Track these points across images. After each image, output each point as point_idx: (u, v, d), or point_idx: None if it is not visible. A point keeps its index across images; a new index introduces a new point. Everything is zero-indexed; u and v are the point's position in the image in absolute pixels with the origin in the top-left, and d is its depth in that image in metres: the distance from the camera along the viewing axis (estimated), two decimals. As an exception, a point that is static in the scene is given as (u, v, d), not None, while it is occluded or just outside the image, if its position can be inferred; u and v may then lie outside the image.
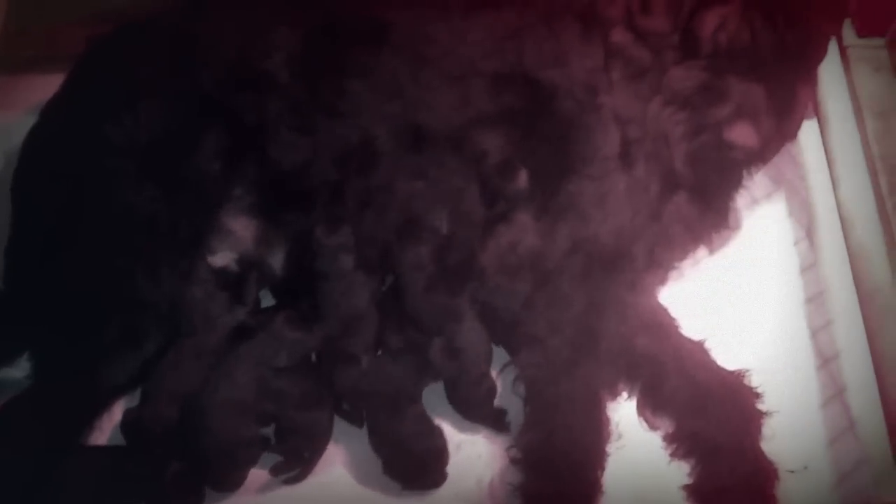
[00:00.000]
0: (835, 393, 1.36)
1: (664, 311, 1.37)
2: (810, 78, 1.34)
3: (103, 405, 1.29)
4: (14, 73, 1.59)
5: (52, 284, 1.26)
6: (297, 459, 1.26)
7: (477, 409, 1.31)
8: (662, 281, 1.41)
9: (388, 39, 1.37)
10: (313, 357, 1.34)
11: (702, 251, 1.43)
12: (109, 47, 1.40)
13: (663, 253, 1.37)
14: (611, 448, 1.27)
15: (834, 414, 1.34)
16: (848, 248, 1.36)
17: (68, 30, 1.51)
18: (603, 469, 1.25)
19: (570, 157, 1.34)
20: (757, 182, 1.47)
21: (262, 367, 1.27)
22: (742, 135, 1.26)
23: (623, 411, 1.32)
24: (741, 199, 1.45)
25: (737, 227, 1.47)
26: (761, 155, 1.32)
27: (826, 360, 1.38)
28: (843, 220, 1.37)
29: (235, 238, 1.34)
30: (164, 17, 1.40)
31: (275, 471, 1.26)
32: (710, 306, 1.42)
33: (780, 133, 1.31)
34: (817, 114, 1.51)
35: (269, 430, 1.29)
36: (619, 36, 1.37)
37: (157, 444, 1.24)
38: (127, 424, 1.27)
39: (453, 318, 1.30)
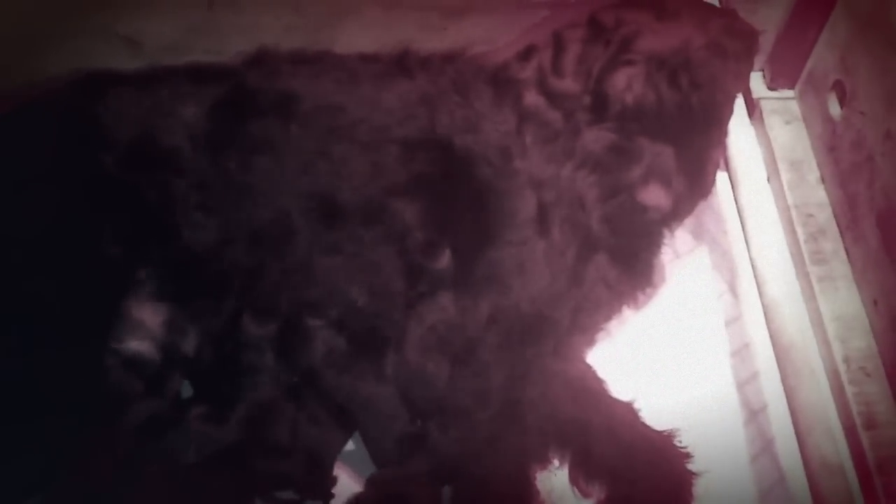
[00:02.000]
0: (764, 446, 1.36)
1: (592, 374, 1.36)
2: (720, 136, 1.35)
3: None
4: None
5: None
6: None
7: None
8: (589, 343, 1.39)
9: (297, 111, 1.33)
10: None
11: (627, 310, 1.42)
12: (3, 127, 1.33)
13: (588, 316, 1.36)
14: (542, 522, 1.24)
15: (764, 467, 1.34)
16: (763, 304, 1.36)
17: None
18: (536, 545, 1.22)
19: (488, 223, 1.32)
20: (678, 237, 1.48)
21: (172, 464, 1.21)
22: (654, 196, 1.25)
23: (556, 480, 1.30)
24: (664, 255, 1.45)
25: (661, 282, 1.47)
26: (675, 214, 1.32)
27: (754, 413, 1.38)
28: (756, 276, 1.37)
29: (144, 326, 1.28)
30: (61, 96, 1.34)
31: None
32: (637, 364, 1.41)
33: (692, 192, 1.30)
34: (728, 169, 1.52)
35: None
36: (532, 99, 1.36)
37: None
38: None
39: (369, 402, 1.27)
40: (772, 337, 1.33)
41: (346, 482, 1.29)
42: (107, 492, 1.18)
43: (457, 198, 1.33)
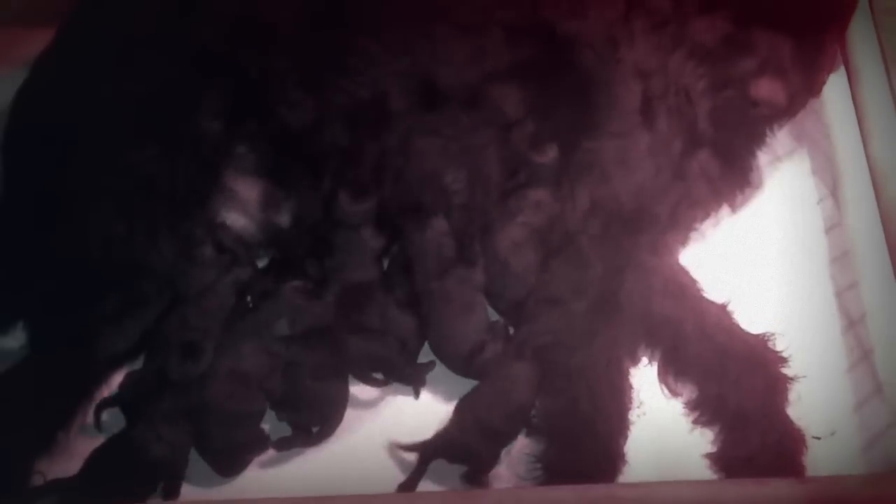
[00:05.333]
0: (861, 356, 1.32)
1: (685, 273, 1.32)
2: (839, 30, 1.29)
3: (102, 375, 1.23)
4: (1, 26, 1.51)
5: (46, 250, 1.20)
6: (305, 434, 1.21)
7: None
8: (683, 242, 1.36)
9: (397, -10, 1.31)
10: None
11: (724, 211, 1.39)
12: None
13: (686, 212, 1.32)
14: (633, 416, 1.23)
15: (861, 377, 1.30)
16: (879, 205, 1.31)
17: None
18: (626, 438, 1.21)
19: (590, 112, 1.29)
20: (779, 139, 1.43)
21: (267, 336, 1.22)
22: (768, 91, 1.21)
23: (643, 377, 1.28)
24: (763, 157, 1.41)
25: (759, 185, 1.42)
26: (787, 111, 1.27)
27: (852, 322, 1.34)
28: (874, 175, 1.32)
29: (239, 199, 1.29)
30: (164, -32, 1.33)
31: (279, 445, 1.20)
32: (731, 268, 1.37)
33: (805, 88, 1.27)
34: (847, 66, 1.45)
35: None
36: (640, -16, 1.31)
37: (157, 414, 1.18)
38: (127, 387, 1.22)
39: (463, 308, 1.25)
40: (887, 239, 1.28)
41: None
42: (204, 361, 1.20)
43: (559, 86, 1.30)
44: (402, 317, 1.28)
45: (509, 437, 1.22)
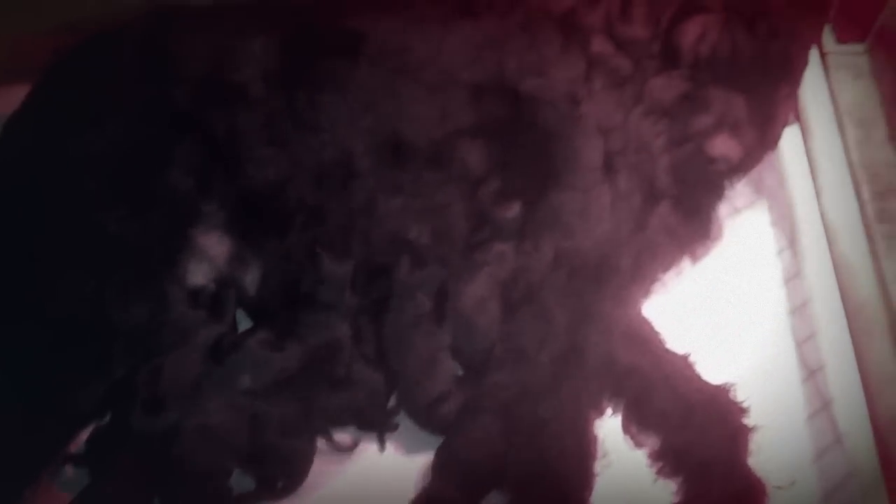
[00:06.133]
0: (821, 406, 1.34)
1: (648, 324, 1.35)
2: (792, 87, 1.33)
3: (71, 432, 1.23)
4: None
5: (15, 308, 1.21)
6: (269, 489, 1.21)
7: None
8: (646, 293, 1.38)
9: (364, 50, 1.33)
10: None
11: (685, 262, 1.41)
12: (76, 59, 1.35)
13: (648, 264, 1.34)
14: (598, 467, 1.24)
15: (820, 427, 1.32)
16: (833, 258, 1.34)
17: (34, 40, 1.44)
18: (591, 489, 1.22)
19: (553, 168, 1.32)
20: (738, 191, 1.46)
21: (233, 390, 1.23)
22: (724, 147, 1.25)
23: (608, 428, 1.29)
24: (723, 209, 1.44)
25: (719, 236, 1.45)
26: (743, 166, 1.31)
27: (812, 372, 1.37)
28: (827, 229, 1.35)
29: (208, 257, 1.30)
30: (134, 29, 1.35)
31: (241, 500, 1.20)
32: (693, 319, 1.39)
33: (761, 143, 1.30)
34: (799, 121, 1.49)
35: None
36: (600, 45, 1.35)
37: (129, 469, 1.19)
38: (93, 443, 1.22)
39: (429, 362, 1.27)
40: (841, 294, 1.31)
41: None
42: (170, 417, 1.21)
43: (523, 143, 1.33)
44: (369, 370, 1.29)
45: (488, 489, 1.23)
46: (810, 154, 1.44)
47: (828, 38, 1.54)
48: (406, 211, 1.31)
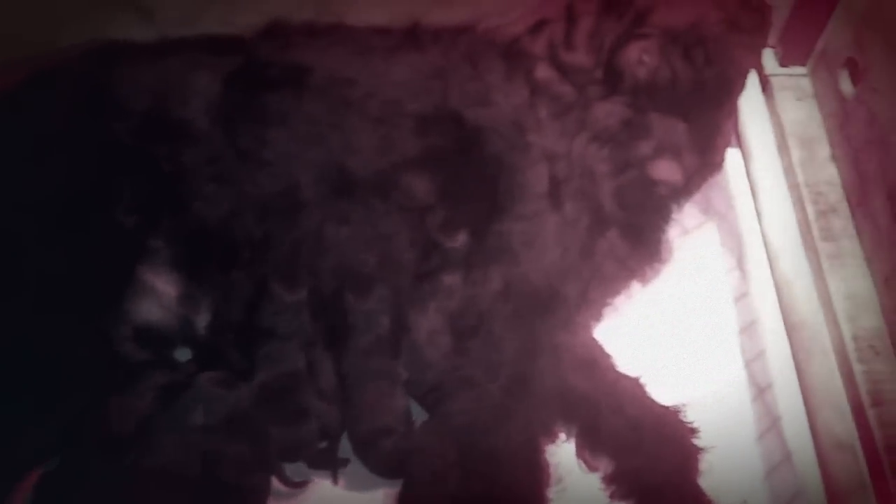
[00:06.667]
0: (770, 424, 1.36)
1: (599, 348, 1.36)
2: (731, 111, 1.35)
3: (21, 474, 1.22)
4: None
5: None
6: None
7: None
8: (597, 318, 1.40)
9: (309, 83, 1.34)
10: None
11: (635, 285, 1.43)
12: (16, 98, 1.34)
13: (597, 290, 1.36)
14: (552, 493, 1.24)
15: (770, 445, 1.34)
16: (774, 279, 1.36)
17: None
18: (545, 515, 1.23)
19: (499, 196, 1.33)
20: (687, 213, 1.48)
21: (185, 428, 1.22)
22: (665, 171, 1.26)
23: (562, 454, 1.30)
24: (672, 230, 1.45)
25: (669, 258, 1.47)
26: (686, 189, 1.33)
27: (761, 391, 1.38)
28: (768, 250, 1.37)
29: (156, 295, 1.29)
30: (75, 66, 1.35)
31: None
32: (645, 340, 1.41)
33: (703, 167, 1.31)
34: (740, 144, 1.52)
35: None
36: (544, 72, 1.36)
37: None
38: (43, 487, 1.20)
39: (383, 395, 1.27)
40: (783, 314, 1.33)
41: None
42: (120, 458, 1.20)
43: (469, 172, 1.34)
44: (324, 404, 1.29)
45: None
46: (752, 176, 1.46)
47: (771, 61, 1.57)
48: (354, 241, 1.32)
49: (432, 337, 1.29)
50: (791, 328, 1.30)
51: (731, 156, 1.51)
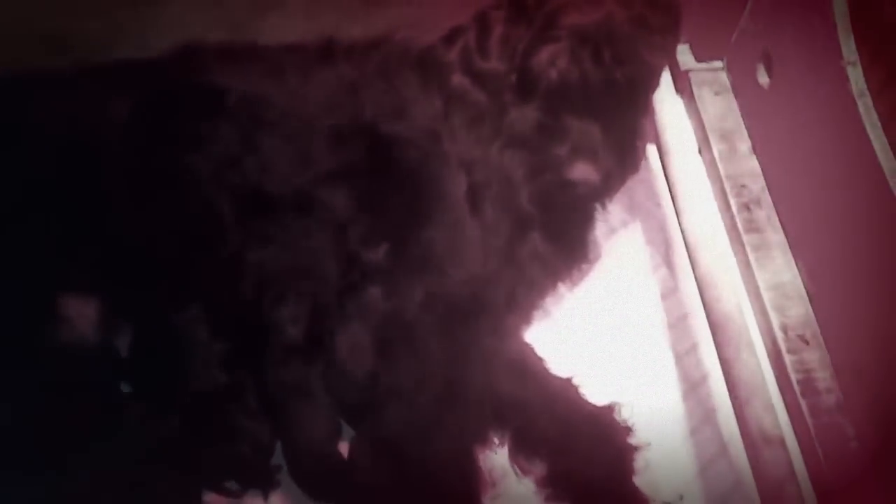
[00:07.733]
0: (704, 417, 1.37)
1: (530, 351, 1.36)
2: (646, 109, 1.36)
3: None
4: None
5: None
6: None
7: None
8: (526, 322, 1.40)
9: (223, 105, 1.32)
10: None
11: (563, 287, 1.43)
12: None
13: (523, 294, 1.36)
14: (486, 499, 1.24)
15: (705, 438, 1.35)
16: (696, 276, 1.37)
17: None
18: (480, 523, 1.22)
19: (419, 206, 1.33)
20: (612, 212, 1.49)
21: (114, 461, 1.20)
22: (582, 173, 1.26)
23: (497, 459, 1.30)
24: (599, 230, 1.46)
25: (596, 258, 1.48)
26: (605, 189, 1.33)
27: (693, 385, 1.39)
28: (689, 248, 1.38)
29: (76, 321, 1.28)
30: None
31: None
32: (576, 341, 1.42)
33: (621, 166, 1.32)
34: (657, 142, 1.53)
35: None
36: (458, 80, 1.36)
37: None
38: None
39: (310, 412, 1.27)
40: (706, 308, 1.33)
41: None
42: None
43: (387, 183, 1.33)
44: (252, 423, 1.28)
45: None
46: (669, 175, 1.47)
47: (687, 57, 1.58)
48: (275, 261, 1.31)
49: (355, 351, 1.28)
50: (715, 322, 1.30)
51: (654, 154, 1.52)
